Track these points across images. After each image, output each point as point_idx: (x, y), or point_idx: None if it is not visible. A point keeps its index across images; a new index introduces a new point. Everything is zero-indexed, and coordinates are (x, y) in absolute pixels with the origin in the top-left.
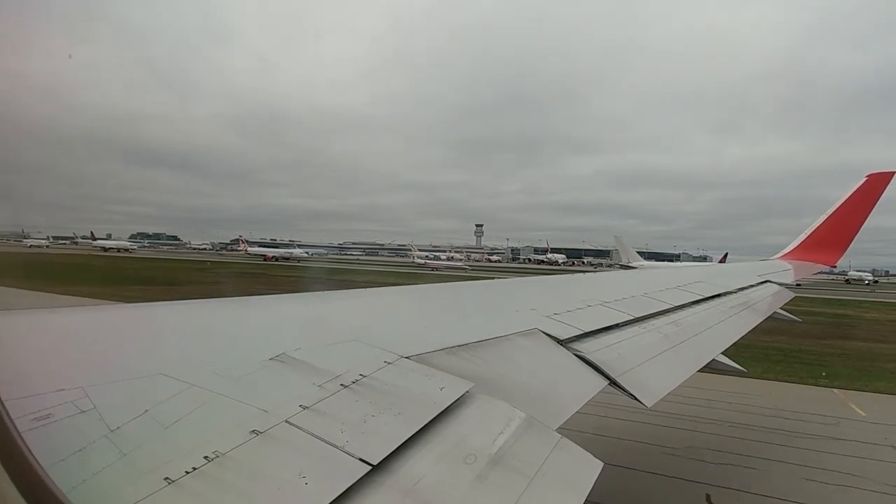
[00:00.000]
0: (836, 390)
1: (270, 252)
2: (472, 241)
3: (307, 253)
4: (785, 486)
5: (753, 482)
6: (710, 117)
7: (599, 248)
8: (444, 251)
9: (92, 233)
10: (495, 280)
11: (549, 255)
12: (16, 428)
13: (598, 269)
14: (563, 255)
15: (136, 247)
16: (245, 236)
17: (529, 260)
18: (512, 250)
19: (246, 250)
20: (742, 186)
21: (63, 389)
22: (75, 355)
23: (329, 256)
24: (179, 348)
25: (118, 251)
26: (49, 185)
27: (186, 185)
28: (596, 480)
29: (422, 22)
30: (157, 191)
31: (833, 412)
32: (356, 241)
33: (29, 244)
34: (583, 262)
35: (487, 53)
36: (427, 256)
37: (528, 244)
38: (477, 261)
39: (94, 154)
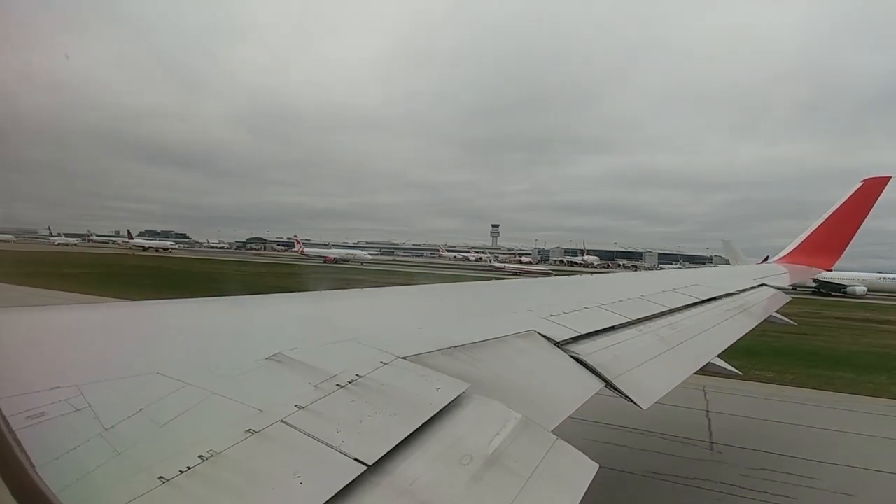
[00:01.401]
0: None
1: (331, 254)
2: (477, 241)
3: (369, 255)
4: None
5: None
6: (723, 117)
7: (630, 249)
8: (466, 252)
9: (129, 231)
10: (492, 281)
11: (586, 257)
12: (9, 426)
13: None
14: (597, 257)
15: (176, 246)
16: (251, 234)
17: (562, 262)
18: (539, 251)
19: (302, 251)
20: (752, 188)
21: (58, 387)
22: (70, 353)
23: (377, 259)
24: (175, 347)
25: (156, 251)
26: (52, 181)
27: (190, 183)
28: (591, 482)
29: (436, 21)
30: (160, 188)
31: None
32: (362, 240)
33: (57, 242)
34: (618, 265)
35: (502, 52)
36: (455, 257)
37: (558, 245)
38: (505, 262)
39: (99, 151)
